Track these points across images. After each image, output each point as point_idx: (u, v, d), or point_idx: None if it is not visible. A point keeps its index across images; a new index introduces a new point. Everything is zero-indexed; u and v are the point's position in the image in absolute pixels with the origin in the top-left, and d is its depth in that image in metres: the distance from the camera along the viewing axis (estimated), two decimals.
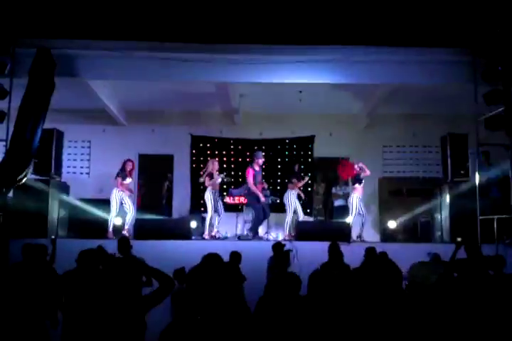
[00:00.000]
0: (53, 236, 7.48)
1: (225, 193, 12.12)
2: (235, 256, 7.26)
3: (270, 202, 11.61)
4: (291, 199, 11.42)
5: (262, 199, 11.08)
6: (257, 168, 11.21)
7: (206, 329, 3.21)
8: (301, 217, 11.48)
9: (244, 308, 3.88)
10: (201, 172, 11.64)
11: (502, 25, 8.80)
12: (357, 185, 11.34)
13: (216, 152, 13.67)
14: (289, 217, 11.32)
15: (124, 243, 6.99)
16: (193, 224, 11.44)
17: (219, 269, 3.49)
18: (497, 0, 9.06)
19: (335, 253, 7.23)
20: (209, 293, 3.32)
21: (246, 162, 12.87)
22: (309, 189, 13.45)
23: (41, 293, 4.96)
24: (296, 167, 12.34)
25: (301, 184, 11.81)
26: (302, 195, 11.84)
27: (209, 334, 3.21)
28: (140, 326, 3.48)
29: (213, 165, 11.50)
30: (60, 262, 6.60)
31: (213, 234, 11.18)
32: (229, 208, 12.17)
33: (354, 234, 10.96)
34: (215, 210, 11.28)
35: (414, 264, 5.50)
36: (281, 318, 3.40)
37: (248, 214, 11.91)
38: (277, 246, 7.55)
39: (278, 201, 11.87)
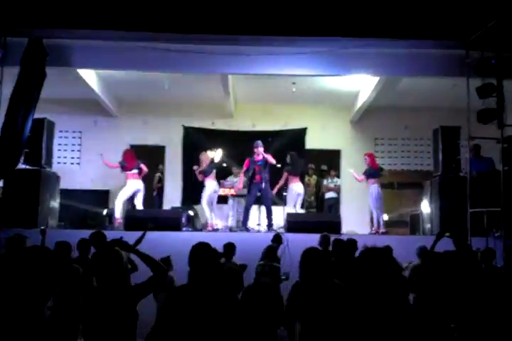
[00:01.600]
0: (43, 227, 7.45)
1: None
2: (229, 247, 7.22)
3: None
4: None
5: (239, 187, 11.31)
6: (255, 158, 11.08)
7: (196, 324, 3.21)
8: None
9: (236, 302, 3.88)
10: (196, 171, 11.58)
11: (495, 18, 8.80)
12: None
13: (208, 143, 13.64)
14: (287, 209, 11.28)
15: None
16: (191, 213, 11.56)
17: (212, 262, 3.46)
18: None
19: (327, 244, 7.33)
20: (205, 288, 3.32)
21: (238, 153, 12.84)
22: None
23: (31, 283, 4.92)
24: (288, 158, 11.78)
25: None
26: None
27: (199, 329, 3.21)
28: (132, 315, 3.48)
29: (204, 158, 11.46)
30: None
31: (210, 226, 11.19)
32: (220, 200, 12.16)
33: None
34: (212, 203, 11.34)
35: None
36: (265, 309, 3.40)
37: (235, 206, 11.90)
38: (278, 237, 7.64)
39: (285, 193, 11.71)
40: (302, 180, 12.18)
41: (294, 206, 11.47)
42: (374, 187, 11.20)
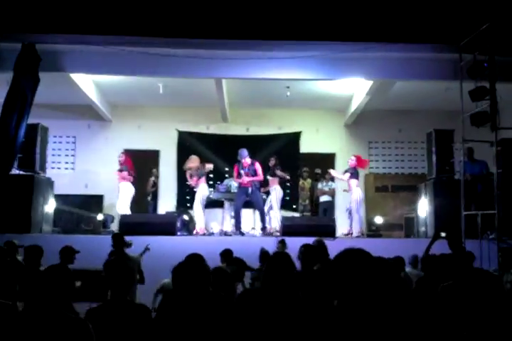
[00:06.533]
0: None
1: (211, 189, 12.04)
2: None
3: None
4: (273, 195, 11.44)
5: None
6: (243, 164, 11.01)
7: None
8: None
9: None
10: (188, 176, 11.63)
11: (487, 22, 8.84)
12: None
13: (203, 148, 13.64)
14: (275, 213, 11.28)
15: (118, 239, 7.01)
16: (186, 217, 11.66)
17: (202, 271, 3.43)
18: None
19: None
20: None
21: (232, 158, 12.82)
22: (295, 185, 13.47)
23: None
24: (272, 162, 11.86)
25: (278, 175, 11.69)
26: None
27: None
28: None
29: (191, 164, 11.44)
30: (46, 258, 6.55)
31: (200, 230, 11.13)
32: (215, 204, 12.14)
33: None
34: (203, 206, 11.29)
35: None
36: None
37: (230, 210, 11.87)
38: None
39: (264, 197, 11.77)
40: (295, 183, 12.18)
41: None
42: (358, 190, 11.24)
